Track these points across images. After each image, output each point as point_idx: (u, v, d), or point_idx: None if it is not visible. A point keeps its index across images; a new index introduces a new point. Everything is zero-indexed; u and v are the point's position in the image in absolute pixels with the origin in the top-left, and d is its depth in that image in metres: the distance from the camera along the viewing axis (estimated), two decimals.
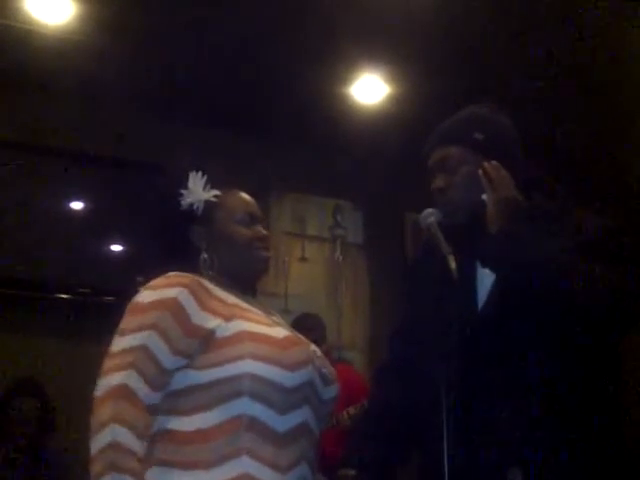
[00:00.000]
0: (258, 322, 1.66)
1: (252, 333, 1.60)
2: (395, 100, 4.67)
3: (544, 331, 1.67)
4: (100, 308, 4.39)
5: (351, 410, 3.69)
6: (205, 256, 1.78)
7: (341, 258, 5.30)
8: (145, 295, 1.62)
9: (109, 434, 1.44)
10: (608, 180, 5.12)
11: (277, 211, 5.23)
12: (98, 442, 1.44)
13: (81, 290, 4.48)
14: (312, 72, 4.34)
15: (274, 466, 1.53)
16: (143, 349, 1.53)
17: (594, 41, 4.07)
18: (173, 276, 1.65)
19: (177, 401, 1.57)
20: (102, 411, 1.47)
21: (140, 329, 1.55)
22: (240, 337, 1.59)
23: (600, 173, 5.13)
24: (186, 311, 1.59)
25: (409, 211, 5.31)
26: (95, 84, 4.38)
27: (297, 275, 5.18)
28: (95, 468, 1.43)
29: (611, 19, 3.91)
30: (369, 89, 4.64)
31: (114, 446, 1.43)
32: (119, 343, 1.56)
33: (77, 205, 4.76)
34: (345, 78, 4.53)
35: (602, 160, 5.15)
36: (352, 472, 1.84)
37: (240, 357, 1.56)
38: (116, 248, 4.81)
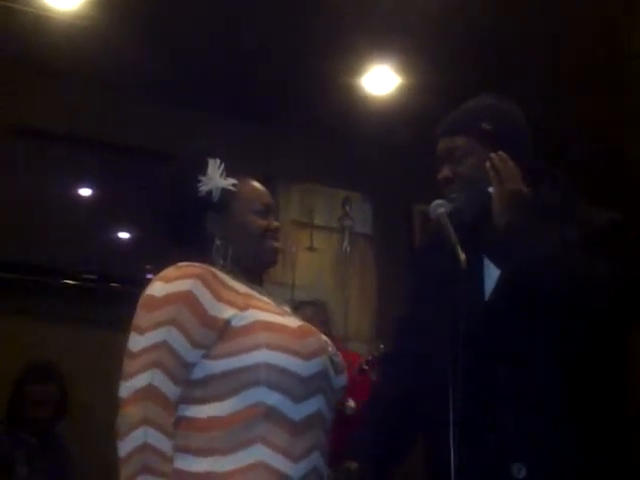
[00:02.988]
0: (271, 312, 1.66)
1: (267, 322, 1.61)
2: (406, 91, 4.65)
3: (549, 326, 1.66)
4: (106, 294, 4.41)
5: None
6: (218, 243, 1.77)
7: (349, 249, 5.29)
8: (158, 288, 1.61)
9: (141, 436, 1.45)
10: (611, 176, 5.11)
11: (285, 201, 5.23)
12: (128, 444, 1.45)
13: (87, 276, 4.48)
14: (323, 62, 4.32)
15: (287, 454, 1.54)
16: (164, 346, 1.54)
17: (601, 36, 4.06)
18: (185, 267, 1.64)
19: (194, 390, 1.57)
20: (131, 413, 1.48)
21: (158, 325, 1.55)
22: (255, 327, 1.59)
23: (602, 169, 5.11)
24: (201, 303, 1.59)
25: (418, 202, 5.31)
26: (107, 70, 4.39)
27: (305, 265, 5.18)
28: (126, 471, 1.44)
29: (619, 15, 3.90)
30: (380, 80, 4.62)
31: (147, 448, 1.45)
32: (139, 342, 1.55)
33: (84, 191, 4.76)
34: (356, 69, 4.51)
35: (605, 156, 5.14)
36: (355, 464, 1.83)
37: (256, 347, 1.57)
38: (123, 235, 4.82)
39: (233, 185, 1.82)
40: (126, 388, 1.51)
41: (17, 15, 3.90)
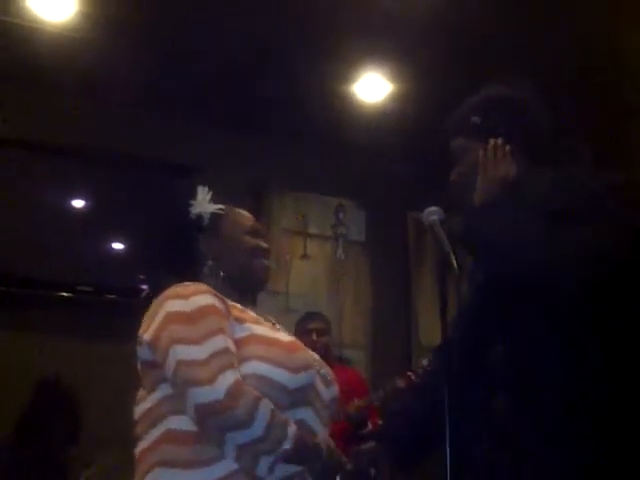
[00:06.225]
0: (264, 326, 1.74)
1: (260, 336, 1.68)
2: (398, 98, 4.67)
3: (536, 309, 1.64)
4: (101, 306, 4.40)
5: (360, 404, 3.75)
6: (210, 264, 1.85)
7: (343, 256, 5.30)
8: (181, 304, 1.65)
9: (264, 408, 1.53)
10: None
11: (279, 209, 5.23)
12: (260, 422, 1.52)
13: (82, 288, 4.47)
14: (315, 70, 4.34)
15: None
16: (228, 351, 1.59)
17: (595, 40, 4.07)
18: (191, 285, 1.70)
19: (183, 402, 1.59)
20: (241, 404, 1.52)
21: (212, 334, 1.60)
22: (250, 340, 1.66)
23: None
24: (225, 315, 1.66)
25: (411, 209, 5.32)
26: (97, 81, 4.39)
27: (299, 273, 5.18)
28: (273, 437, 1.53)
29: (611, 17, 3.91)
30: (372, 87, 4.64)
31: (275, 414, 1.55)
32: (199, 351, 1.57)
33: (78, 203, 4.76)
34: (348, 76, 4.52)
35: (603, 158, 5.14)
36: (371, 444, 1.85)
37: (247, 358, 1.63)
38: (117, 246, 4.81)
39: (220, 209, 1.92)
40: (214, 391, 1.52)
41: (7, 27, 3.90)
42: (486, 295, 1.77)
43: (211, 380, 1.53)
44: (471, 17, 3.90)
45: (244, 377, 1.58)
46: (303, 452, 1.59)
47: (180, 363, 1.56)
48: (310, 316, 4.17)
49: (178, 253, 1.91)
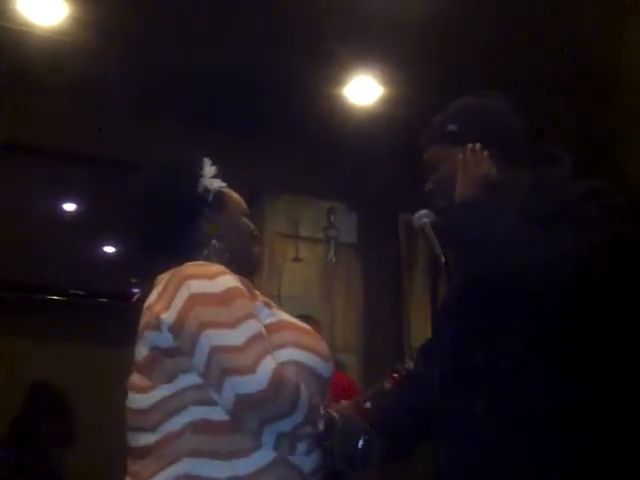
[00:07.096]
0: (285, 312, 1.67)
1: (289, 322, 1.62)
2: (389, 101, 4.68)
3: (515, 309, 1.62)
4: (93, 310, 4.39)
5: (347, 404, 3.75)
6: (215, 243, 1.73)
7: (334, 259, 5.30)
8: (207, 285, 1.54)
9: (304, 395, 1.49)
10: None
11: (271, 212, 5.24)
12: (302, 410, 1.49)
13: (74, 292, 4.46)
14: (306, 73, 4.34)
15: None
16: (262, 336, 1.51)
17: (591, 46, 4.09)
18: (211, 265, 1.61)
19: (217, 391, 1.50)
20: (285, 392, 1.47)
21: (245, 318, 1.51)
22: (282, 325, 1.60)
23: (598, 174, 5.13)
24: (250, 298, 1.58)
25: (403, 212, 5.33)
26: (87, 85, 4.38)
27: (291, 276, 5.19)
28: (312, 420, 1.52)
29: (605, 19, 3.93)
30: (363, 90, 4.65)
31: (312, 398, 1.52)
32: (236, 336, 1.48)
33: (69, 206, 4.75)
34: (339, 79, 4.53)
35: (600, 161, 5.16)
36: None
37: (284, 345, 1.56)
38: (109, 250, 4.81)
39: (224, 187, 1.82)
40: (256, 381, 1.45)
41: None
42: (466, 297, 1.76)
43: (252, 368, 1.44)
44: (462, 20, 3.91)
45: (282, 364, 1.51)
46: (329, 428, 1.58)
47: (215, 349, 1.46)
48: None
49: (179, 229, 1.74)
